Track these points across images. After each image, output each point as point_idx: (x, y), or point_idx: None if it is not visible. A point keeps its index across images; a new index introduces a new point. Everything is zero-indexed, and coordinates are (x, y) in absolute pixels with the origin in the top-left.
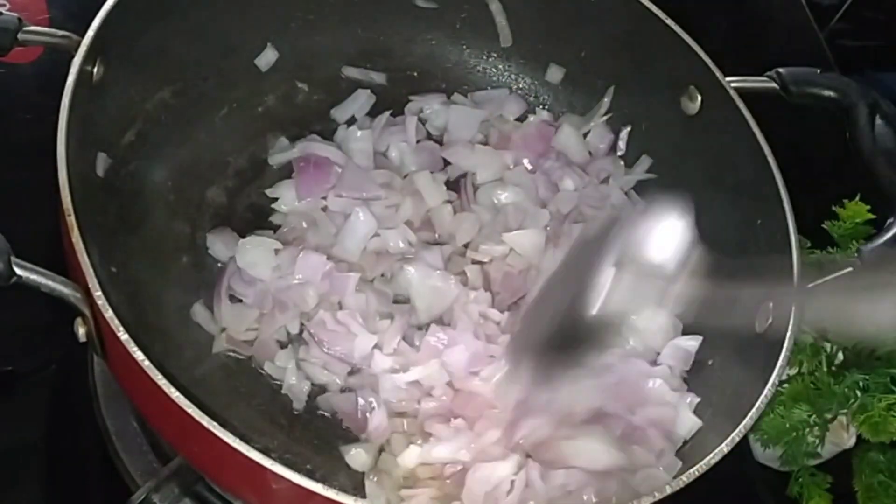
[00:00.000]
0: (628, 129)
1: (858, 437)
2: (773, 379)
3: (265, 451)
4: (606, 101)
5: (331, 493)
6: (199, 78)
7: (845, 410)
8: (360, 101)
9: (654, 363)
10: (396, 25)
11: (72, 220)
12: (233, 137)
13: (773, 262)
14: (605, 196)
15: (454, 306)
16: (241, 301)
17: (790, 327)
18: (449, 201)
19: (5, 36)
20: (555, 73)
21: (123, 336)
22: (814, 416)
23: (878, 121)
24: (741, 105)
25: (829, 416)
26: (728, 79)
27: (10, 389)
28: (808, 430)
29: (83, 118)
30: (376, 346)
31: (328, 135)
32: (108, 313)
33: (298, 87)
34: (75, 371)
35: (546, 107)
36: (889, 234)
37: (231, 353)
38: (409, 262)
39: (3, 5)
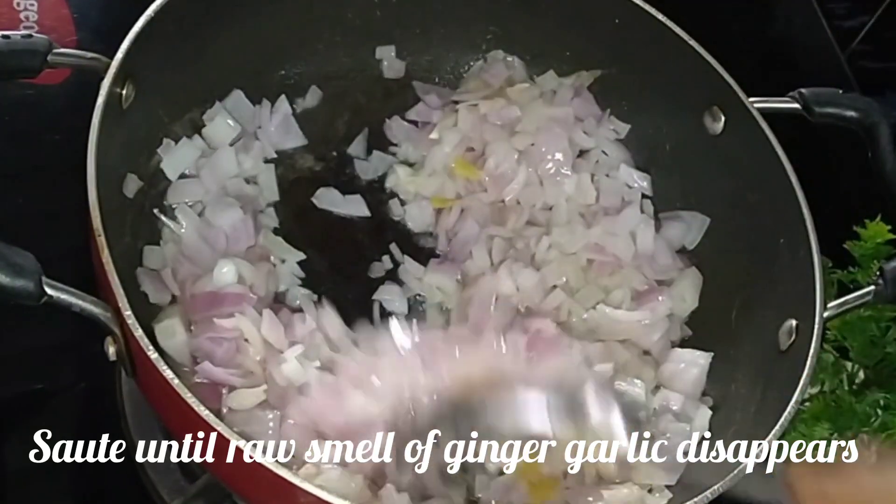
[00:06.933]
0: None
1: None
2: (795, 397)
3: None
4: None
5: None
6: None
7: (866, 429)
8: None
9: None
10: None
11: (101, 240)
12: None
13: (796, 280)
14: None
15: None
16: None
17: (812, 346)
18: None
19: (35, 58)
20: None
21: (153, 355)
22: (835, 434)
23: None
24: (764, 125)
25: (849, 434)
26: (751, 99)
27: (41, 407)
28: None
29: (112, 139)
30: None
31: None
32: (138, 332)
33: None
34: (104, 389)
35: None
36: None
37: None
38: None
39: (32, 27)
